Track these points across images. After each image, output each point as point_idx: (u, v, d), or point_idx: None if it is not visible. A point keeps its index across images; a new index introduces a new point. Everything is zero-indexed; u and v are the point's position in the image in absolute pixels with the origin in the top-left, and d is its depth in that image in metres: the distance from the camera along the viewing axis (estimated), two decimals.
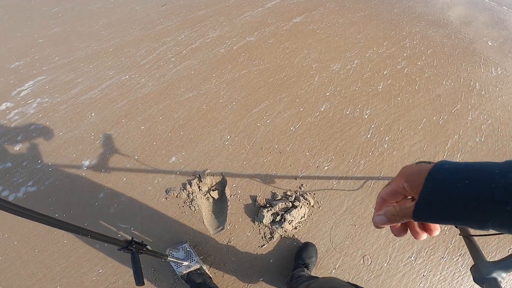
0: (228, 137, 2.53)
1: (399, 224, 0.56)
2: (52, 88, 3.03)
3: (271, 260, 2.06)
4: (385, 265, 2.04)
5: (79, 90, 2.99)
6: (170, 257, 1.70)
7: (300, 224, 2.19)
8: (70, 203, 2.24)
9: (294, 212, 2.16)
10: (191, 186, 2.25)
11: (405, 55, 3.47)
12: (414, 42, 3.69)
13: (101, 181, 2.32)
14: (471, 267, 1.00)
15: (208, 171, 2.32)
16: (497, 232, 0.45)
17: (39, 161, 2.45)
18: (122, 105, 2.78)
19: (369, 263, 2.04)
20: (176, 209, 2.20)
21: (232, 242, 2.12)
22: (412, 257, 2.07)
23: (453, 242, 2.15)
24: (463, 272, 2.06)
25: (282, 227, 2.15)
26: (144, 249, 1.39)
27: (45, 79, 3.13)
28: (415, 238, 0.53)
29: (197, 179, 2.28)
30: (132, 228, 2.14)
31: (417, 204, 0.46)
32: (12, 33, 3.73)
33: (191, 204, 2.20)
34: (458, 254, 2.12)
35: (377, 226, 0.55)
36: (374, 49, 3.49)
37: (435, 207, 0.44)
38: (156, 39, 3.53)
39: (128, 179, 2.32)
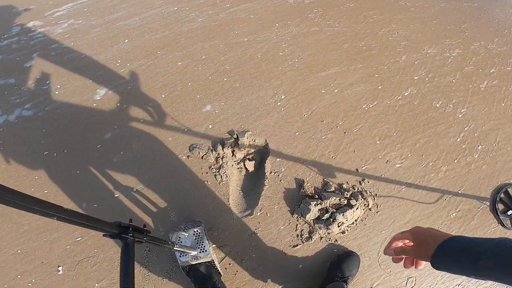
0: (283, 97, 1.96)
1: (399, 257, 0.84)
2: (90, 11, 2.62)
3: (300, 266, 1.59)
4: None
5: (118, 15, 2.54)
6: (177, 246, 1.24)
7: (349, 228, 1.66)
8: (67, 139, 1.80)
9: (348, 213, 1.61)
10: (223, 148, 1.72)
11: None
12: None
13: (113, 118, 1.86)
14: None
15: (249, 133, 1.79)
16: None
17: (47, 82, 2.03)
18: (162, 36, 2.29)
19: (411, 287, 1.62)
20: (197, 174, 1.70)
21: (258, 234, 1.63)
22: (460, 286, 1.66)
23: None
24: None
25: (327, 228, 1.61)
26: (145, 238, 0.94)
27: (86, 2, 2.73)
28: (405, 267, 0.83)
29: (232, 141, 1.75)
30: (135, 189, 1.67)
31: (432, 258, 0.71)
32: None
33: (218, 172, 1.69)
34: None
35: (386, 253, 0.85)
36: (482, 43, 2.79)
37: (443, 260, 0.69)
38: None
39: (146, 122, 1.83)
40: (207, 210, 1.64)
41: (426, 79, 2.25)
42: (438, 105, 2.13)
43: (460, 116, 2.12)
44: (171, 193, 1.67)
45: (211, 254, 1.47)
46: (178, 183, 1.68)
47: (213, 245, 1.59)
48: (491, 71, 2.51)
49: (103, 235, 0.80)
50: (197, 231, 1.49)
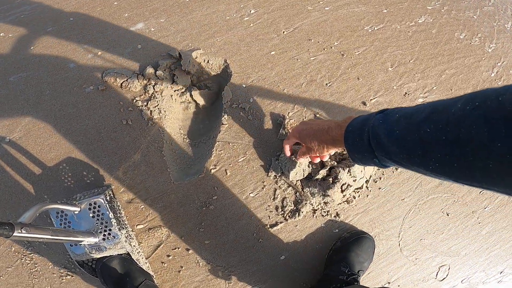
0: (252, 11, 1.35)
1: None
2: None
3: (283, 257, 1.06)
4: (461, 283, 1.21)
5: None
6: (24, 231, 0.63)
7: (357, 195, 1.09)
8: None
9: (357, 167, 1.01)
10: (155, 72, 1.09)
11: None
12: None
13: None
14: None
15: (200, 51, 1.16)
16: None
17: None
18: None
19: (443, 278, 1.20)
20: (112, 112, 1.06)
21: (213, 206, 1.04)
22: (502, 274, 1.26)
23: None
24: None
25: (325, 195, 1.00)
26: None
27: None
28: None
29: (171, 61, 1.12)
30: (7, 139, 1.06)
31: (349, 154, 0.63)
32: None
33: (147, 105, 1.06)
34: None
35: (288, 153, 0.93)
36: None
37: (352, 152, 0.61)
38: None
39: (37, 49, 1.22)
40: (127, 168, 1.00)
41: (442, 10, 1.77)
42: (461, 37, 1.65)
43: (490, 50, 1.66)
44: (68, 142, 1.03)
45: (124, 242, 0.84)
46: (79, 127, 1.04)
47: (138, 226, 0.95)
48: None
49: None
50: (96, 203, 0.85)
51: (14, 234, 0.57)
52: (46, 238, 0.67)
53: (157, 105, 1.04)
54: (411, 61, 1.38)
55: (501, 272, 1.26)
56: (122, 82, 1.07)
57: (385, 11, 1.57)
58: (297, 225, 1.04)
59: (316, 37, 1.30)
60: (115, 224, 0.87)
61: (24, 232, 0.60)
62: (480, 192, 1.23)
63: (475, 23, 1.79)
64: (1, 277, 1.02)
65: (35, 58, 1.18)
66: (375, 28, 1.45)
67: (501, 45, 1.73)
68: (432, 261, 1.17)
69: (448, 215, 1.18)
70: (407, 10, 1.65)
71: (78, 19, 1.30)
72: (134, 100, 1.07)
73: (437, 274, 1.18)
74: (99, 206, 0.87)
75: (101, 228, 0.86)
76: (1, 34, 1.27)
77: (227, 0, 1.36)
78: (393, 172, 1.14)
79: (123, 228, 0.91)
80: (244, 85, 1.11)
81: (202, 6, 1.33)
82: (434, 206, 1.17)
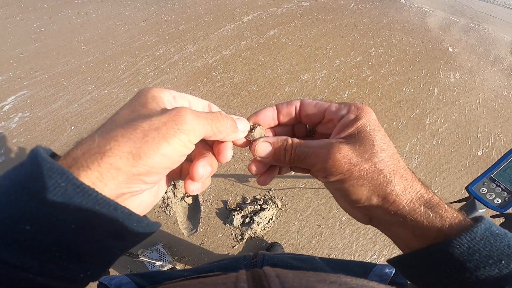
0: None
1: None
2: (33, 102, 3.13)
3: None
4: None
5: (59, 104, 3.11)
6: (141, 257, 1.85)
7: (269, 226, 2.36)
8: None
9: (262, 214, 2.35)
10: (166, 193, 2.42)
11: (370, 63, 3.65)
12: (379, 51, 3.88)
13: None
14: None
15: (182, 181, 2.49)
16: None
17: None
18: (100, 118, 2.94)
19: None
20: (151, 214, 2.36)
21: (205, 243, 2.28)
22: (375, 255, 2.16)
23: None
24: None
25: (251, 228, 2.33)
26: None
27: (27, 94, 3.22)
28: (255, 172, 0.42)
29: (171, 186, 2.46)
30: None
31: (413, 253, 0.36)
32: None
33: (166, 209, 2.37)
34: None
35: (257, 154, 0.38)
36: (342, 59, 3.70)
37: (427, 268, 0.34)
38: (135, 54, 3.70)
39: None
40: (165, 235, 2.29)
41: None
42: None
43: None
44: None
45: (172, 262, 2.12)
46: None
47: (175, 258, 2.26)
48: (350, 81, 3.40)
49: None
50: (158, 248, 2.15)
51: (138, 258, 1.86)
52: (145, 260, 1.94)
53: (171, 208, 2.38)
54: None
55: (373, 255, 2.10)
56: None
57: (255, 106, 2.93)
58: (244, 244, 2.32)
59: (236, 153, 2.61)
60: (168, 255, 2.16)
61: (141, 257, 1.88)
62: (336, 207, 2.45)
63: None
64: None
65: None
66: None
67: None
68: (323, 252, 2.15)
69: (321, 226, 2.34)
70: None
71: None
72: (160, 207, 2.39)
73: None
74: (159, 249, 2.16)
75: (162, 258, 2.13)
76: None
77: None
78: (285, 211, 2.46)
79: (170, 256, 2.17)
80: (206, 190, 2.46)
81: None
82: (312, 223, 2.35)
